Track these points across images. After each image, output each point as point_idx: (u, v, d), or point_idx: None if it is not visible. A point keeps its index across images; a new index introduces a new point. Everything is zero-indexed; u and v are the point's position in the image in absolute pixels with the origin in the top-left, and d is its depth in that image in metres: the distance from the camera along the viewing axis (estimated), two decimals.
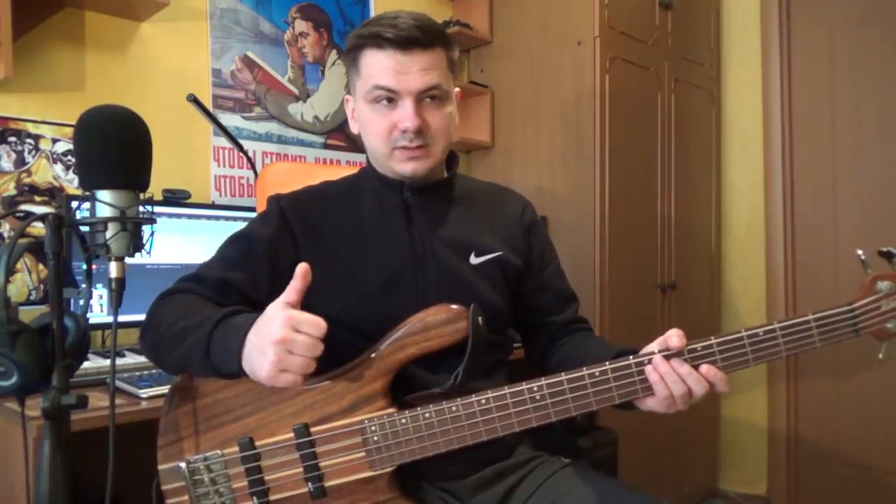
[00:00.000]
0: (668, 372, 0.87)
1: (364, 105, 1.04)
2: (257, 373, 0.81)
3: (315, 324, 0.79)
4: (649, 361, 0.88)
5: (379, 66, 1.01)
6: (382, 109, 1.02)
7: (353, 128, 1.11)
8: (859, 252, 0.90)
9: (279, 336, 0.78)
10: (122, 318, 0.88)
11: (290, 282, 1.03)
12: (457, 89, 1.11)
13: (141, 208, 0.88)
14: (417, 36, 1.00)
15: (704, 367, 0.87)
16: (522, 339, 1.20)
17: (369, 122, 1.04)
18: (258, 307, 0.95)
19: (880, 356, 0.88)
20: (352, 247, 1.06)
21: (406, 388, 0.95)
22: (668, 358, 0.87)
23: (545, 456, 1.07)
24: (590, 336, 1.15)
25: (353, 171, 1.19)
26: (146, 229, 0.90)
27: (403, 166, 1.04)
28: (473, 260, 1.07)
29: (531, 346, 1.19)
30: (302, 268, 0.84)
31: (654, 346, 0.90)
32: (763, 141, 2.61)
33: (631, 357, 0.89)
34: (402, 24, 1.00)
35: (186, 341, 0.89)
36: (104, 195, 0.85)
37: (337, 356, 0.95)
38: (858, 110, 2.39)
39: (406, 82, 1.00)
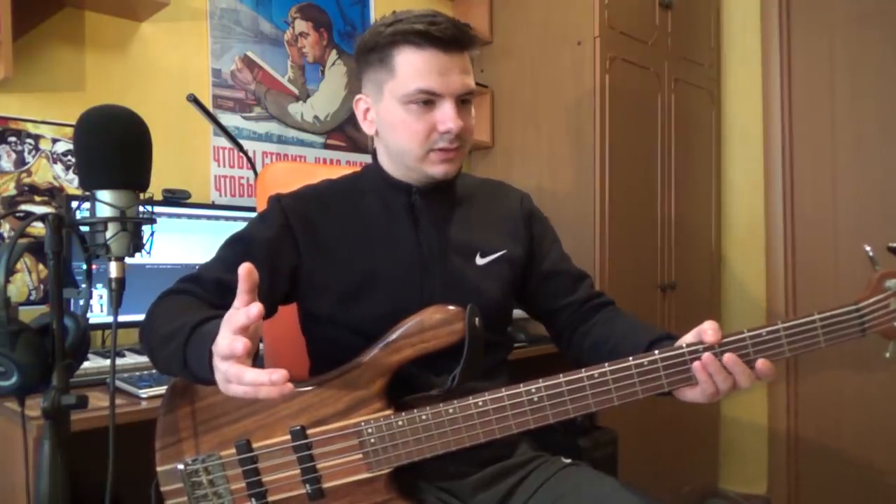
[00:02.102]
0: (716, 370, 0.86)
1: (396, 106, 1.00)
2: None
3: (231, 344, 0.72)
4: (654, 362, 0.88)
5: (420, 66, 0.97)
6: (419, 111, 0.98)
7: (369, 129, 1.07)
8: (867, 248, 0.88)
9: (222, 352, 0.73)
10: (122, 318, 0.88)
11: (290, 283, 1.04)
12: None
13: (141, 208, 0.88)
14: (458, 36, 0.97)
15: (759, 363, 0.86)
16: (548, 331, 1.17)
17: (403, 124, 1.00)
18: None
19: (887, 355, 0.86)
20: (355, 248, 1.04)
21: (405, 389, 0.94)
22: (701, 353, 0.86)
23: (546, 456, 1.07)
24: (615, 318, 1.10)
25: (354, 170, 1.18)
26: (146, 229, 0.90)
27: (436, 168, 1.01)
28: (479, 261, 1.07)
29: (556, 332, 1.15)
30: (244, 268, 0.74)
31: (690, 336, 0.89)
32: (763, 141, 2.61)
33: (631, 359, 0.88)
34: (442, 23, 0.96)
35: (168, 348, 0.86)
36: (104, 195, 0.85)
37: (340, 358, 0.95)
38: (858, 110, 2.39)
39: (448, 84, 0.97)
